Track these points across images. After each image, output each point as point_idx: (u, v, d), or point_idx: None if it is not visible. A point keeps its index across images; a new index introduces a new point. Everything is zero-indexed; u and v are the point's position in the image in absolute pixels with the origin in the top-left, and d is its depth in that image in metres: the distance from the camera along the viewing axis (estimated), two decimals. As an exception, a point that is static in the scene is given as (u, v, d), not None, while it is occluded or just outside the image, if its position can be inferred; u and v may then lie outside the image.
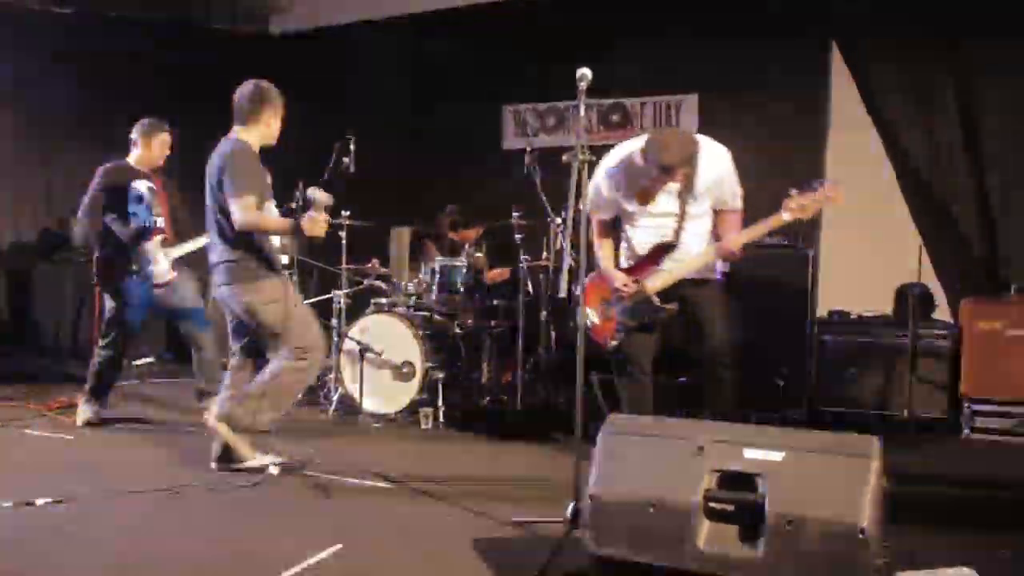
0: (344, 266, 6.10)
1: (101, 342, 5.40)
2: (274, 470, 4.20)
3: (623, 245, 4.45)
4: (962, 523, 3.79)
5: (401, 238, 6.87)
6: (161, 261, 5.35)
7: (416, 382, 5.66)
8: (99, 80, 7.59)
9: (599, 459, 2.79)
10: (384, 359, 5.71)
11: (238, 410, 4.20)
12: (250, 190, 4.11)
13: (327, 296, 6.16)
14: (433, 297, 6.00)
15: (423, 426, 5.55)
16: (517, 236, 5.82)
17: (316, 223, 4.10)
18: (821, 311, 6.42)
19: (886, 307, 6.21)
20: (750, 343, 5.92)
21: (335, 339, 5.86)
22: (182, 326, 5.57)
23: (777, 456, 2.60)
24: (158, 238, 5.38)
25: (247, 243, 4.21)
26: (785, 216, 4.00)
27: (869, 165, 6.50)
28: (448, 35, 8.25)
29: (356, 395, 5.71)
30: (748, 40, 6.88)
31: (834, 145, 6.86)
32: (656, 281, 4.24)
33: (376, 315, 5.91)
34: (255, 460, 4.24)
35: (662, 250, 4.27)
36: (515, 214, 5.83)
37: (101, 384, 5.40)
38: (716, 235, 4.33)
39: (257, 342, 4.37)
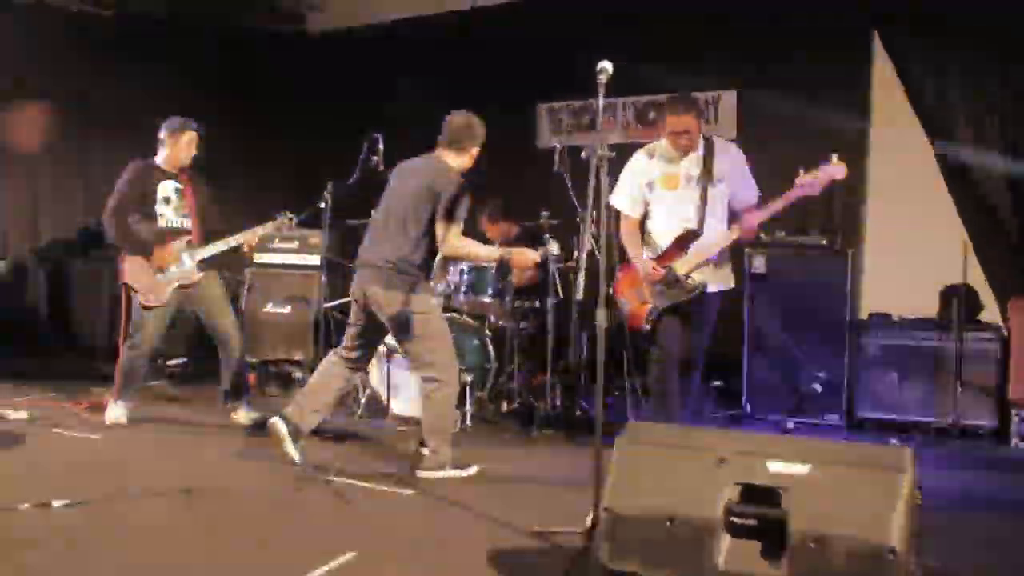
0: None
1: (128, 342, 5.38)
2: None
3: (647, 240, 4.67)
4: (1008, 543, 3.59)
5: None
6: (186, 262, 5.33)
7: (443, 384, 5.56)
8: (138, 80, 7.62)
9: (615, 470, 2.67)
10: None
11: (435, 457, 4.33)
12: (461, 219, 4.32)
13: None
14: (461, 299, 5.91)
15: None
16: (546, 236, 5.70)
17: (524, 255, 4.55)
18: (863, 313, 6.25)
19: (931, 309, 6.00)
20: (787, 346, 5.81)
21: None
22: (208, 327, 5.54)
23: (802, 469, 2.46)
24: (184, 239, 5.35)
25: (420, 256, 4.37)
26: (797, 192, 4.28)
27: (913, 162, 6.28)
28: (483, 33, 8.17)
29: (383, 397, 5.63)
30: (787, 33, 6.71)
31: (876, 140, 6.64)
32: (685, 263, 4.47)
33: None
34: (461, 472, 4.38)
35: (687, 238, 4.47)
36: (543, 214, 5.72)
37: (129, 384, 5.39)
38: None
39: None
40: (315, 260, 6.64)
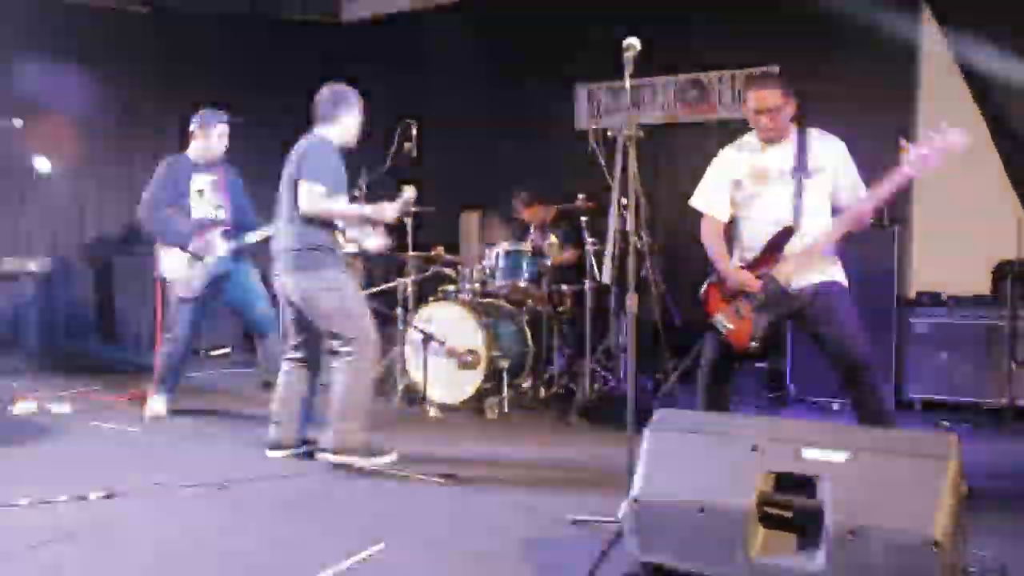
0: (410, 253, 5.98)
1: (167, 335, 5.41)
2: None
3: (737, 244, 4.12)
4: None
5: (470, 223, 6.75)
6: (220, 252, 5.34)
7: (481, 371, 5.52)
8: (176, 73, 7.69)
9: (645, 458, 2.58)
10: (448, 347, 5.59)
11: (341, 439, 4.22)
12: (321, 179, 4.19)
13: (392, 284, 6.06)
14: (498, 283, 5.84)
15: (488, 416, 5.42)
16: (583, 219, 5.62)
17: (382, 210, 4.32)
18: (913, 292, 6.07)
19: (983, 287, 5.80)
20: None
21: (400, 328, 5.76)
22: (245, 317, 5.55)
23: (840, 457, 2.35)
24: (218, 230, 5.36)
25: (312, 232, 4.25)
26: (907, 170, 3.65)
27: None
28: (519, 16, 8.07)
29: (420, 385, 5.60)
30: (831, 6, 6.48)
31: (924, 113, 6.41)
32: (785, 269, 3.85)
33: (440, 303, 5.79)
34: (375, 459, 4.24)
35: (782, 236, 3.90)
36: (579, 196, 5.63)
37: (168, 376, 5.41)
38: None
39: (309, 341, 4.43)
40: (352, 248, 6.60)
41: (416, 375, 5.68)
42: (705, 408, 4.03)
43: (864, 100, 6.47)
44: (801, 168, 3.89)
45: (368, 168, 5.65)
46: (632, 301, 3.21)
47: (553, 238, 5.99)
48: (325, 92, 4.45)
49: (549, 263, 5.87)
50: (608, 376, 5.70)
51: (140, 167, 7.89)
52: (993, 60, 6.02)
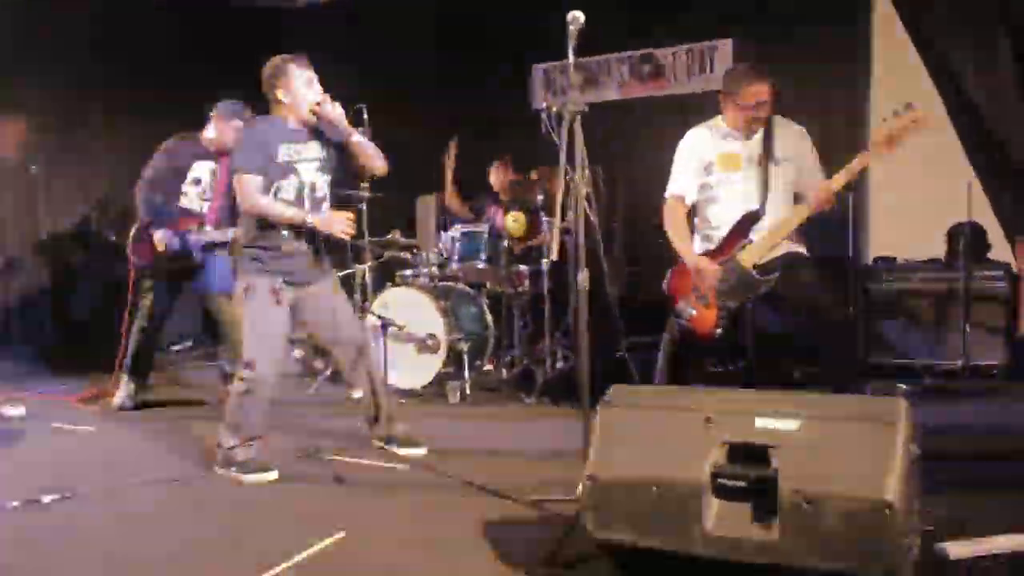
0: (367, 239, 5.92)
1: (134, 326, 5.38)
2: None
3: (701, 227, 4.14)
4: (1020, 482, 3.48)
5: (426, 207, 6.68)
6: (190, 245, 5.26)
7: (441, 355, 5.49)
8: (122, 60, 7.53)
9: (598, 436, 2.56)
10: (407, 333, 5.55)
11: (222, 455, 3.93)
12: (249, 166, 3.80)
13: (349, 271, 6.00)
14: (455, 266, 5.80)
15: (450, 400, 5.39)
16: (539, 198, 5.59)
17: (333, 221, 3.84)
18: (870, 258, 6.12)
19: (939, 251, 5.86)
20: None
21: (358, 314, 5.70)
22: (209, 308, 5.49)
23: (792, 425, 2.34)
24: (193, 223, 5.29)
25: (250, 230, 3.89)
26: (873, 151, 3.72)
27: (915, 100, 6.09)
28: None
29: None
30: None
31: (878, 81, 6.45)
32: (750, 253, 3.88)
33: (398, 288, 5.75)
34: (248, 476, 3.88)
35: (748, 221, 3.93)
36: (533, 174, 5.60)
37: (135, 368, 5.38)
38: None
39: None
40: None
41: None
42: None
43: (816, 69, 6.49)
44: (769, 156, 3.94)
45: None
46: (583, 277, 3.19)
47: (520, 216, 5.94)
48: (263, 73, 3.96)
49: (506, 243, 5.83)
50: (569, 355, 5.68)
51: (91, 160, 7.80)
52: (943, 24, 6.05)
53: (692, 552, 2.33)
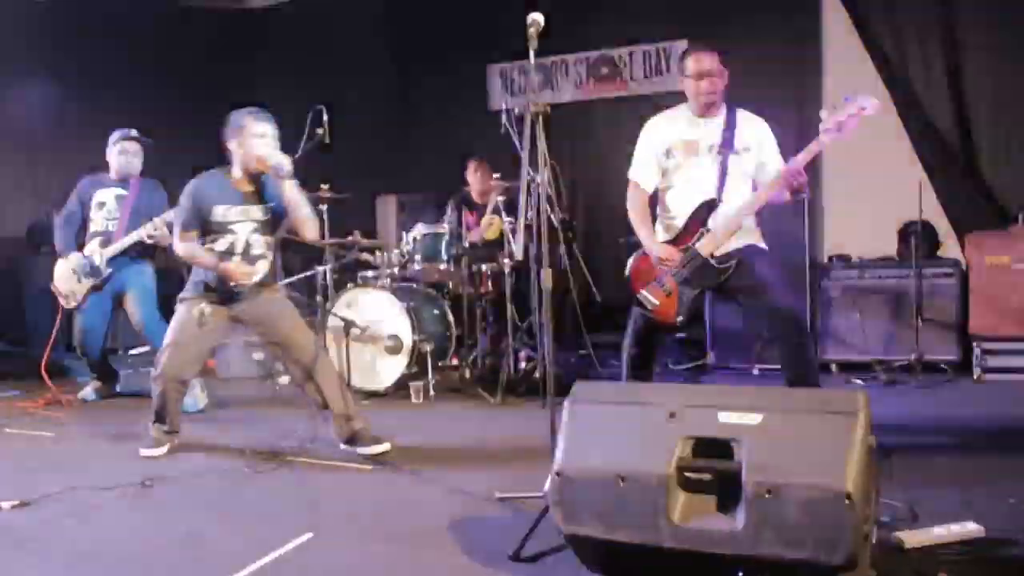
0: (328, 240, 5.90)
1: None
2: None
3: (661, 215, 4.16)
4: (970, 471, 3.59)
5: (386, 207, 6.68)
6: (97, 261, 5.45)
7: (404, 355, 5.49)
8: (75, 62, 7.43)
9: (564, 431, 2.60)
10: (370, 334, 5.54)
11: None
12: (179, 223, 4.26)
13: (310, 272, 5.98)
14: (417, 267, 5.80)
15: (414, 400, 5.40)
16: (499, 199, 5.61)
17: (236, 270, 4.16)
18: (825, 256, 6.24)
19: (892, 248, 5.99)
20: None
21: (318, 316, 5.69)
22: (132, 320, 5.58)
23: (754, 419, 2.40)
24: (96, 240, 5.49)
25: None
26: (824, 139, 3.71)
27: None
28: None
29: (343, 373, 5.54)
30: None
31: (829, 80, 6.59)
32: (708, 241, 3.91)
33: (360, 289, 5.73)
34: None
35: (705, 209, 3.95)
36: (495, 176, 5.63)
37: (99, 376, 5.78)
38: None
39: None
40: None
41: (338, 364, 5.61)
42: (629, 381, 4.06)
43: (769, 69, 6.60)
44: (727, 145, 3.96)
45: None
46: (546, 276, 3.22)
47: (496, 219, 5.94)
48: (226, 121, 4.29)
49: (467, 244, 5.85)
50: (532, 354, 5.72)
51: (43, 165, 7.69)
52: (892, 22, 6.21)
53: (660, 544, 2.37)
